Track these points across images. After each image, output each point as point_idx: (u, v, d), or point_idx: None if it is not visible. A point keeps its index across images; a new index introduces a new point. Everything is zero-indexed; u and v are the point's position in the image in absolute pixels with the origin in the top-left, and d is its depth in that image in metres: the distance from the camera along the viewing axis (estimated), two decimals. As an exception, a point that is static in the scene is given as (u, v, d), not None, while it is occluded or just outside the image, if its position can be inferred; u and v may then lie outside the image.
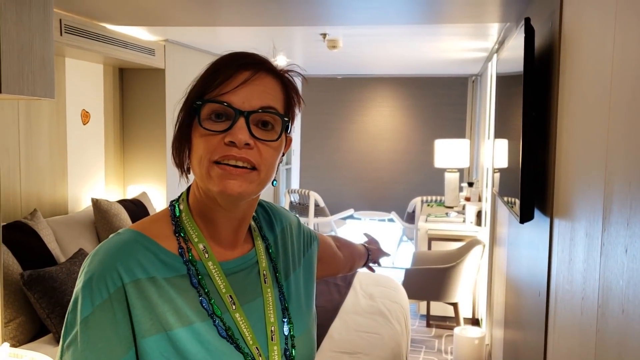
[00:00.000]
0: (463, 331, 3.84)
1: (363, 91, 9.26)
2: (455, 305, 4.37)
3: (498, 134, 2.69)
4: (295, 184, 8.57)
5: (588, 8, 1.28)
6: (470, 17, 3.10)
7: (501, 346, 3.00)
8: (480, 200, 4.98)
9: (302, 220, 6.87)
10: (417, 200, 6.70)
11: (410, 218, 6.98)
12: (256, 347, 0.89)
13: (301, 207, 7.20)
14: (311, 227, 6.42)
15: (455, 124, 8.14)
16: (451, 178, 5.41)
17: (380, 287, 3.77)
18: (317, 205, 7.11)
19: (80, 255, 2.97)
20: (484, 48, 4.27)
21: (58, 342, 2.61)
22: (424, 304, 4.82)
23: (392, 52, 4.74)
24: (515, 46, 2.01)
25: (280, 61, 0.95)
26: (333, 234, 7.03)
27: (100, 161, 4.08)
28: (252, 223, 1.02)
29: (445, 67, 5.71)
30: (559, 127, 1.54)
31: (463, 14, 3.02)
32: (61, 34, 3.08)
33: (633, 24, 0.92)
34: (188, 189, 0.96)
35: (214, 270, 0.90)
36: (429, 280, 4.31)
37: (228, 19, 3.28)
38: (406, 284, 4.26)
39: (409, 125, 9.19)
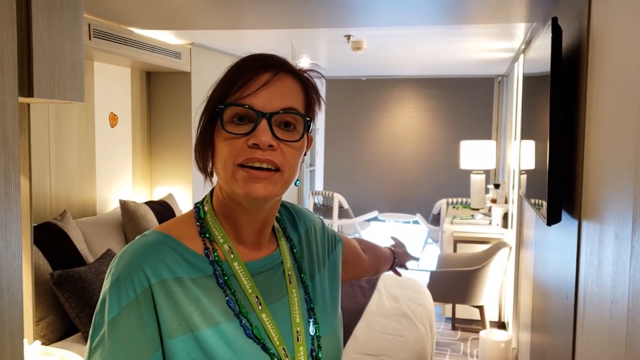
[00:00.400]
0: (489, 334, 3.81)
1: (387, 92, 9.23)
2: (481, 308, 4.33)
3: (525, 135, 2.66)
4: (319, 185, 8.58)
5: (617, 7, 1.26)
6: (497, 17, 3.07)
7: (528, 350, 2.97)
8: (506, 202, 4.93)
9: (326, 222, 6.86)
10: (442, 202, 6.65)
11: (436, 220, 6.94)
12: (283, 348, 0.89)
13: (325, 209, 7.21)
14: (335, 229, 6.41)
15: (481, 125, 8.06)
16: (477, 180, 5.36)
17: (405, 289, 3.75)
18: (341, 207, 7.10)
19: (108, 255, 3.02)
20: (510, 48, 4.22)
21: (87, 341, 2.66)
22: (449, 306, 4.78)
23: (417, 53, 4.72)
24: (542, 46, 1.98)
25: (304, 63, 0.96)
26: (357, 236, 7.03)
27: (127, 163, 4.14)
28: (276, 224, 1.02)
29: (471, 68, 5.67)
30: (587, 128, 1.52)
31: (489, 14, 2.99)
32: (90, 38, 3.14)
33: (663, 23, 0.90)
34: (212, 191, 0.96)
35: (239, 271, 0.90)
36: (455, 283, 4.28)
37: (253, 21, 3.31)
38: (431, 286, 4.24)
39: (434, 127, 9.13)
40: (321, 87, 0.97)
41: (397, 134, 9.31)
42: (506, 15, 2.97)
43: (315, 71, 0.95)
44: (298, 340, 0.92)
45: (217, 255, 0.90)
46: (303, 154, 0.92)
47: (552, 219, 1.74)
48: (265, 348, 0.86)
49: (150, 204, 3.84)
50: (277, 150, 0.86)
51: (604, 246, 1.26)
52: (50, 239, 2.92)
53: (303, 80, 0.92)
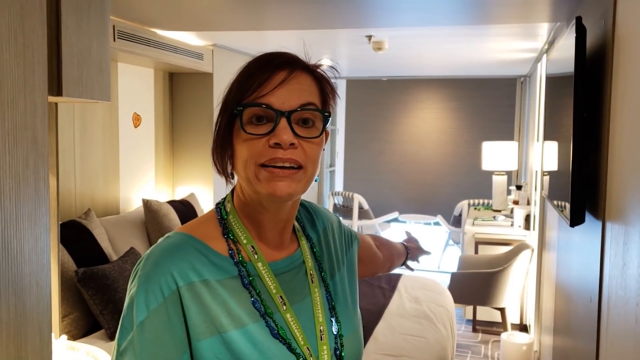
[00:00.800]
0: (510, 337, 3.77)
1: (408, 93, 9.19)
2: (502, 310, 4.30)
3: (548, 136, 2.63)
4: (339, 186, 8.58)
5: (643, 6, 1.25)
6: (520, 17, 3.05)
7: (550, 353, 2.94)
8: (528, 203, 4.88)
9: (347, 222, 6.83)
10: (463, 204, 6.60)
11: (457, 221, 6.89)
12: (307, 347, 0.89)
13: (345, 210, 7.20)
14: (355, 229, 6.39)
15: (503, 125, 7.99)
16: (499, 181, 5.32)
17: (425, 290, 3.74)
18: (361, 207, 7.09)
19: (131, 254, 3.06)
20: (533, 48, 4.18)
21: (110, 338, 2.70)
22: (470, 308, 4.74)
23: (439, 53, 4.69)
24: (566, 46, 1.96)
25: (324, 63, 0.96)
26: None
27: (150, 163, 4.19)
28: (296, 223, 1.02)
29: (493, 68, 5.62)
30: (612, 128, 1.50)
31: (512, 14, 2.97)
32: (114, 40, 3.18)
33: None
34: (232, 191, 0.96)
35: (263, 271, 0.90)
36: (476, 285, 4.25)
37: (275, 23, 3.32)
38: (452, 288, 4.21)
39: (455, 127, 9.07)
40: (334, 81, 0.97)
41: (418, 134, 9.26)
42: (529, 15, 2.94)
43: (327, 65, 0.95)
44: (321, 340, 0.92)
45: (241, 256, 0.89)
46: (322, 149, 0.92)
47: (576, 220, 1.72)
48: (290, 348, 0.87)
49: (172, 203, 3.88)
50: (298, 148, 0.86)
51: (629, 247, 1.25)
52: (75, 237, 2.97)
53: (316, 76, 0.92)
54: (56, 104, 1.65)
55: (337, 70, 0.97)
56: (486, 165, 5.42)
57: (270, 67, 0.87)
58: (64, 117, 3.24)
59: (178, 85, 4.39)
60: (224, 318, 0.84)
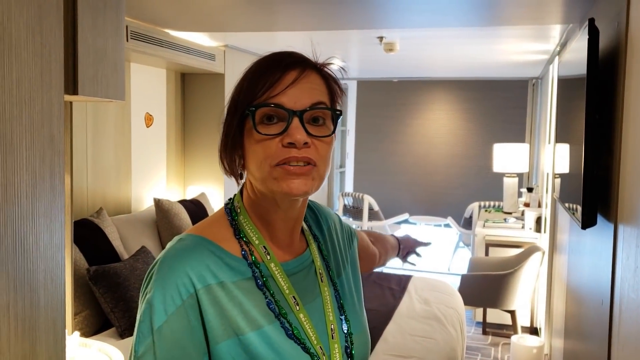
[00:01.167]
0: (521, 340, 3.75)
1: (419, 94, 9.17)
2: (512, 312, 4.28)
3: (559, 138, 2.62)
4: (349, 187, 8.58)
5: (657, 7, 1.24)
6: (532, 19, 3.03)
7: (561, 356, 2.92)
8: (539, 206, 4.85)
9: (357, 224, 6.84)
10: (474, 206, 6.58)
11: (467, 223, 6.87)
12: (320, 347, 0.89)
13: (355, 211, 7.20)
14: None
15: (515, 127, 7.95)
16: (510, 183, 5.29)
17: (435, 292, 3.73)
18: (371, 209, 7.08)
19: (142, 252, 3.07)
20: (545, 50, 4.16)
21: (121, 336, 2.72)
22: (480, 310, 4.73)
23: (450, 54, 4.68)
24: (579, 48, 1.96)
25: (336, 64, 0.96)
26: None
27: (162, 162, 4.21)
28: (303, 224, 1.02)
29: (504, 70, 5.60)
30: (624, 130, 1.50)
31: (524, 16, 2.96)
32: (127, 40, 3.20)
33: None
34: (240, 191, 0.96)
35: (276, 272, 0.90)
36: (486, 287, 4.23)
37: (286, 23, 3.33)
38: (462, 290, 4.20)
39: (466, 129, 9.04)
40: (344, 82, 0.97)
41: (429, 136, 9.24)
42: (542, 16, 2.93)
43: (333, 64, 0.95)
44: (333, 338, 0.92)
45: (254, 257, 0.89)
46: (333, 147, 0.92)
47: (587, 222, 1.71)
48: (305, 348, 0.87)
49: (183, 202, 3.90)
50: (311, 146, 0.86)
51: (641, 250, 1.24)
52: (87, 235, 2.99)
53: (324, 74, 0.92)
54: (70, 103, 1.67)
55: (344, 70, 0.97)
56: (497, 167, 5.40)
57: (281, 66, 0.87)
58: (77, 117, 3.27)
59: (190, 86, 4.41)
60: (240, 320, 0.83)
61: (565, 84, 2.56)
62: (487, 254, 4.74)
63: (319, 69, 0.92)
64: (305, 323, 0.89)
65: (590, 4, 2.40)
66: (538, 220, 4.70)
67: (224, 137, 0.92)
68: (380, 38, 3.84)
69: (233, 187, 0.96)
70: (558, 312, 3.14)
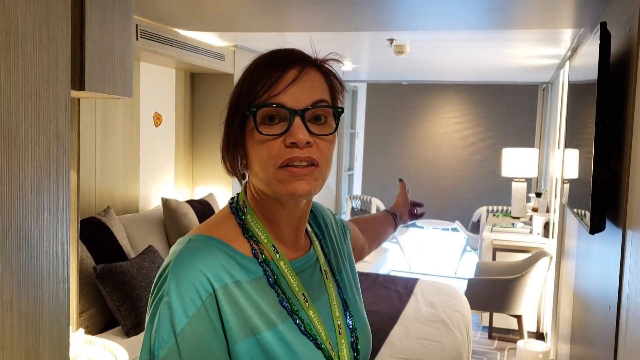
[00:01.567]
0: (527, 345, 3.73)
1: (428, 97, 9.15)
2: (519, 317, 4.25)
3: (569, 144, 2.60)
4: (357, 189, 8.56)
5: (669, 11, 1.23)
6: (543, 23, 3.02)
7: (567, 362, 2.90)
8: (548, 211, 4.82)
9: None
10: (482, 210, 6.56)
11: (475, 228, 6.84)
12: (329, 342, 0.90)
13: (362, 213, 7.19)
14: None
15: (524, 132, 7.92)
16: (518, 188, 5.27)
17: (442, 295, 3.71)
18: (378, 211, 7.06)
19: (149, 251, 3.08)
20: (555, 55, 4.14)
21: (127, 334, 2.72)
22: (486, 315, 4.70)
23: (460, 58, 4.67)
24: (590, 52, 1.94)
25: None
26: (395, 241, 6.99)
27: (170, 162, 4.22)
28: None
29: (514, 74, 5.58)
30: (634, 136, 1.48)
31: (535, 20, 2.94)
32: (137, 39, 3.21)
33: None
34: (244, 190, 0.96)
35: (286, 270, 0.90)
36: (493, 291, 4.21)
37: (297, 24, 3.33)
38: (469, 294, 4.18)
39: (475, 133, 9.01)
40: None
41: (438, 139, 9.22)
42: (553, 20, 2.91)
43: (334, 59, 0.93)
44: (340, 334, 0.93)
45: (265, 256, 0.89)
46: (334, 146, 0.91)
47: (596, 227, 1.70)
48: (317, 344, 0.87)
49: (191, 202, 3.91)
50: (314, 146, 0.85)
51: (650, 256, 1.23)
52: (94, 233, 3.00)
53: (324, 71, 0.91)
54: (79, 100, 1.67)
55: (341, 62, 0.95)
56: (506, 171, 5.38)
57: (282, 65, 0.86)
58: (86, 115, 3.29)
59: (199, 86, 4.42)
60: (257, 319, 0.83)
61: (575, 88, 2.55)
62: (494, 258, 4.72)
63: (319, 66, 0.91)
64: (314, 320, 0.90)
65: (602, 9, 2.39)
66: (546, 226, 4.67)
67: (225, 137, 0.92)
68: (391, 40, 3.84)
69: (240, 188, 0.96)
70: (565, 318, 3.12)
